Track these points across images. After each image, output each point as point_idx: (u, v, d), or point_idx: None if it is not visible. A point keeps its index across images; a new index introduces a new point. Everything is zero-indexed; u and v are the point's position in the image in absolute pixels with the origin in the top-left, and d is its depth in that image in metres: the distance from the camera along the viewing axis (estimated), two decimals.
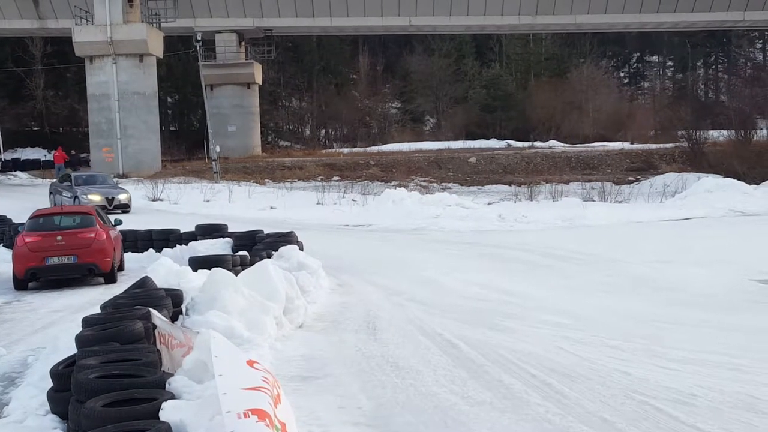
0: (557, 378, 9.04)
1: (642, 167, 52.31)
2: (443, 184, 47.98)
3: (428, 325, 12.45)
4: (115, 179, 39.40)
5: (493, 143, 64.59)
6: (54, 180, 37.41)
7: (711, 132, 55.02)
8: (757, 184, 41.32)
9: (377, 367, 9.85)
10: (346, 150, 63.23)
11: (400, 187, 40.12)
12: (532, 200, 38.57)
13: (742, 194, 37.57)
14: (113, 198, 33.05)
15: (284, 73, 78.34)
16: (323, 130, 78.41)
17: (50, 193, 36.06)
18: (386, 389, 8.84)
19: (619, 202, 38.03)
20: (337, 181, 46.67)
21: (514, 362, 9.83)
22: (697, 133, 53.16)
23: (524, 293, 15.68)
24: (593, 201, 37.69)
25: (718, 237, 24.91)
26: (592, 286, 16.52)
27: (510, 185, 45.58)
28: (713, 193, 37.17)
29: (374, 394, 8.67)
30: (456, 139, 66.74)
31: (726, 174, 42.90)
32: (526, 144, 62.88)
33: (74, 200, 31.87)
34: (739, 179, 40.32)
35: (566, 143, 62.45)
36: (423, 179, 48.91)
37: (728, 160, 46.48)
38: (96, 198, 32.21)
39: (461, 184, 48.19)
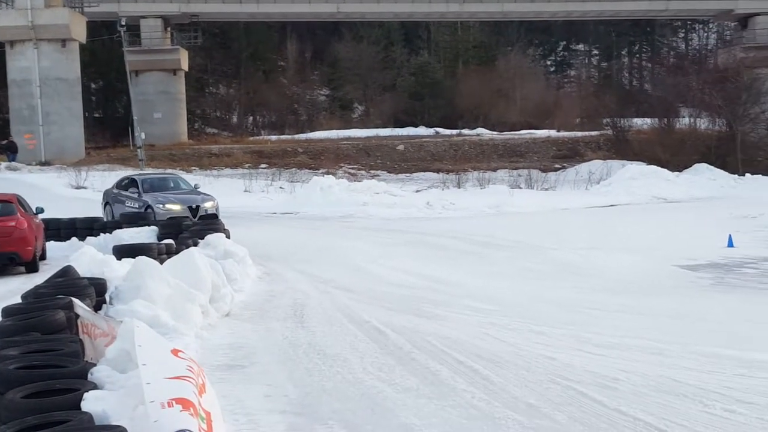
0: (483, 364, 9.08)
1: (568, 155, 52.88)
2: (371, 171, 47.99)
3: (356, 312, 12.43)
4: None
5: (422, 131, 64.73)
6: (108, 188, 28.82)
7: (635, 120, 55.83)
8: (680, 171, 42.06)
9: (304, 355, 9.80)
10: (274, 137, 62.87)
11: (328, 174, 40.04)
12: (459, 188, 38.79)
13: (664, 181, 38.25)
14: (197, 207, 24.92)
15: (211, 60, 77.58)
16: (251, 118, 77.87)
17: (104, 203, 27.54)
18: (313, 377, 8.80)
19: (546, 190, 38.43)
20: (264, 168, 46.39)
21: (441, 349, 9.85)
22: (622, 121, 53.93)
23: (451, 280, 15.75)
24: (520, 188, 38.05)
25: (641, 223, 25.29)
26: (519, 272, 16.67)
27: (438, 173, 45.75)
28: (637, 180, 37.78)
29: (301, 382, 8.63)
30: (384, 126, 66.77)
31: (649, 161, 43.59)
32: (454, 132, 63.14)
33: (145, 210, 24.69)
34: (662, 166, 41.00)
35: (494, 131, 62.85)
36: (351, 167, 48.87)
37: (652, 148, 47.19)
38: (175, 208, 24.70)
39: (389, 172, 48.23)
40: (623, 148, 50.19)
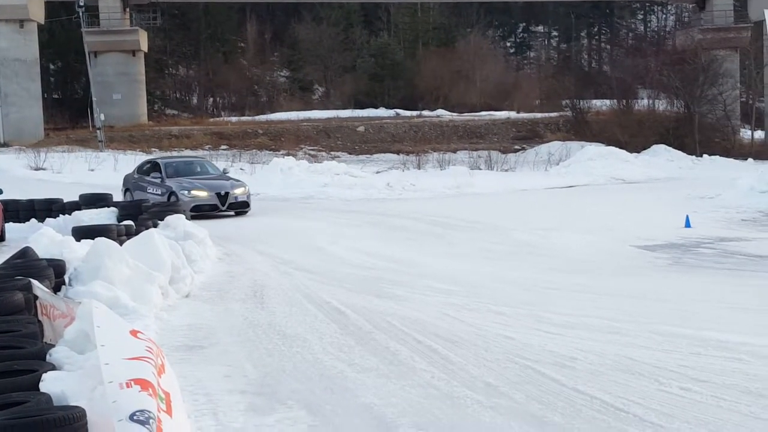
0: (443, 344, 9.14)
1: (528, 136, 53.11)
2: (332, 152, 47.95)
3: (316, 293, 12.44)
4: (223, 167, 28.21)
5: (382, 112, 64.66)
6: (129, 173, 26.60)
7: (594, 101, 56.14)
8: (638, 152, 42.40)
9: (264, 335, 9.81)
10: (234, 119, 62.53)
11: (288, 155, 39.93)
12: (420, 169, 38.85)
13: (623, 162, 38.55)
14: (226, 194, 23.19)
15: (171, 41, 76.93)
16: (211, 99, 77.36)
17: (125, 189, 25.47)
18: (273, 357, 8.82)
19: (506, 171, 38.59)
20: (225, 150, 46.20)
21: (401, 329, 9.89)
22: (581, 103, 54.20)
23: (412, 261, 15.80)
24: (480, 169, 38.17)
25: (600, 204, 25.49)
26: (479, 253, 16.75)
27: (398, 154, 45.80)
28: (596, 161, 38.04)
29: (261, 362, 8.64)
30: (345, 108, 66.62)
31: (608, 142, 43.90)
32: (414, 113, 63.14)
33: (169, 197, 23.08)
34: (620, 148, 41.31)
35: (454, 112, 62.92)
36: (312, 148, 48.79)
37: (610, 129, 47.50)
38: (202, 194, 23.07)
39: (350, 153, 48.21)
40: (582, 130, 50.48)
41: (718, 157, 43.00)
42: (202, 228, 16.14)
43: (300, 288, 12.92)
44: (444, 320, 10.37)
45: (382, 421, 6.76)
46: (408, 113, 63.40)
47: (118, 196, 22.40)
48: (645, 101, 52.02)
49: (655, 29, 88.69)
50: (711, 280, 13.10)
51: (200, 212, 22.07)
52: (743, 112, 52.54)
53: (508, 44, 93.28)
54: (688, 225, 19.49)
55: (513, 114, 60.92)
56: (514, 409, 6.97)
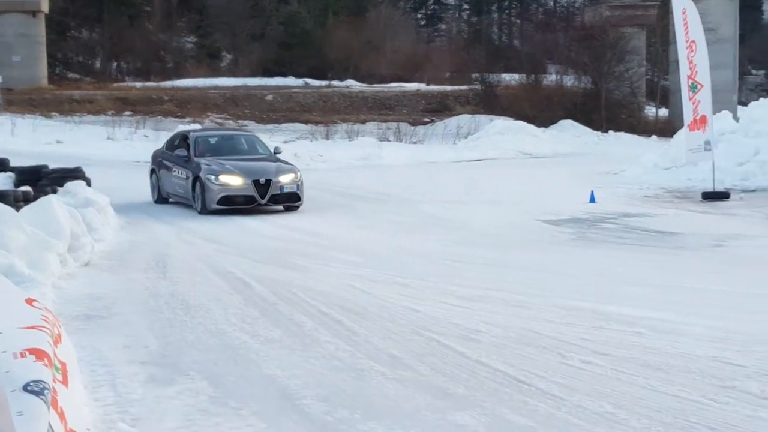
0: (348, 316, 9.08)
1: (437, 108, 53.24)
2: (239, 121, 47.45)
3: (220, 263, 12.29)
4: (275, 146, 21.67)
5: (291, 81, 64.16)
6: (158, 148, 21.98)
7: (504, 75, 56.50)
8: (546, 127, 42.87)
9: (166, 305, 9.64)
10: (138, 84, 61.40)
11: (194, 123, 39.35)
12: (328, 139, 38.71)
13: (531, 137, 38.93)
14: (268, 182, 18.02)
15: (74, 3, 75.07)
16: (115, 64, 75.84)
17: (151, 171, 20.92)
18: (175, 328, 8.67)
19: (414, 143, 38.68)
20: (129, 116, 45.29)
21: (306, 300, 9.82)
22: (491, 77, 54.51)
23: (319, 232, 15.72)
24: (389, 141, 38.18)
25: (507, 178, 25.70)
26: (386, 225, 16.73)
27: (307, 124, 45.52)
28: (504, 135, 38.33)
29: (162, 332, 8.49)
30: (253, 76, 65.89)
31: (517, 117, 44.23)
32: (324, 83, 62.82)
33: (194, 183, 18.30)
34: (529, 122, 41.68)
35: (364, 83, 62.77)
36: (219, 116, 48.19)
37: (519, 104, 47.90)
38: (235, 181, 17.99)
39: (258, 122, 47.74)
40: (492, 103, 50.81)
41: (623, 133, 43.71)
42: (103, 195, 15.81)
43: (204, 258, 12.75)
44: (349, 292, 10.32)
45: (285, 392, 6.69)
46: (317, 83, 63.04)
47: (17, 161, 21.72)
48: (553, 76, 52.56)
49: (565, 4, 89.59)
50: (614, 255, 13.27)
51: (231, 205, 17.80)
52: (648, 90, 53.50)
53: (419, 16, 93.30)
54: (592, 200, 19.74)
55: (423, 86, 61.00)
56: (418, 381, 6.95)
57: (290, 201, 18.32)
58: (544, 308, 9.38)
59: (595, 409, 6.24)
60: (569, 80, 51.45)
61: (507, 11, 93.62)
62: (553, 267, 12.18)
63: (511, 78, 55.60)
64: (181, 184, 18.89)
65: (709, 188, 20.45)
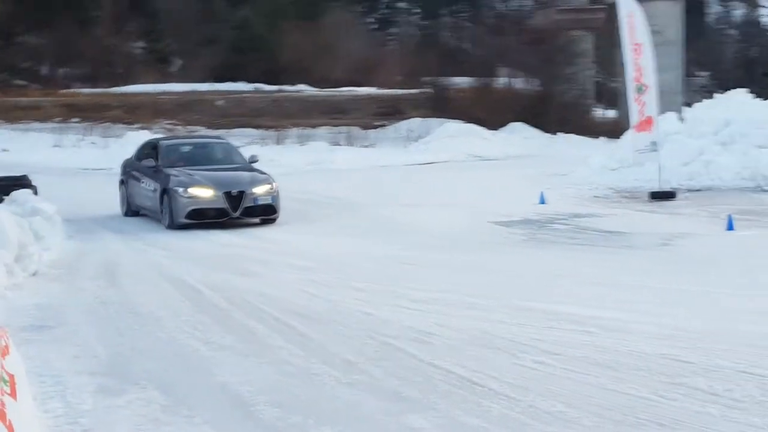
0: (301, 321, 9.06)
1: (389, 112, 53.25)
2: (190, 127, 47.16)
3: (171, 271, 12.21)
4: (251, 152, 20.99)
5: (242, 86, 63.82)
6: (129, 157, 20.18)
7: (455, 79, 56.64)
8: (496, 129, 43.04)
9: (116, 314, 9.56)
10: (86, 90, 60.77)
11: (144, 129, 39.05)
12: (280, 144, 38.60)
13: (482, 140, 39.09)
14: (241, 194, 16.76)
15: (21, 8, 74.19)
16: (63, 69, 75.05)
17: (121, 182, 19.61)
18: (125, 337, 8.59)
19: (366, 147, 38.70)
20: (76, 122, 44.84)
21: (259, 306, 9.78)
22: (442, 80, 54.64)
23: (271, 238, 15.66)
24: (341, 145, 38.16)
25: (459, 181, 25.78)
26: (339, 229, 16.71)
27: (258, 129, 45.36)
28: (455, 138, 38.46)
29: (112, 342, 8.41)
30: (204, 81, 65.47)
31: (468, 120, 44.33)
32: (275, 88, 62.60)
33: (162, 195, 17.01)
34: (480, 125, 41.81)
35: (316, 87, 62.64)
36: (169, 122, 47.87)
37: (470, 107, 48.03)
38: (205, 194, 16.69)
39: (208, 127, 47.41)
40: (443, 107, 50.89)
41: (572, 135, 43.99)
42: (51, 204, 15.60)
43: (154, 265, 12.66)
44: (302, 297, 10.29)
45: (238, 399, 6.66)
46: (269, 88, 62.80)
47: None
48: (504, 79, 52.81)
49: (516, 8, 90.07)
50: (564, 255, 13.36)
51: (201, 219, 16.56)
52: (597, 92, 53.93)
53: (372, 20, 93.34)
54: (542, 201, 19.85)
55: (375, 90, 61.00)
56: (372, 385, 6.95)
57: (265, 214, 17.12)
58: (496, 309, 9.42)
59: (547, 408, 6.28)
60: (519, 83, 51.73)
61: (458, 15, 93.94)
62: (505, 268, 12.24)
63: (462, 81, 55.75)
64: (150, 196, 17.66)
65: (656, 188, 20.64)
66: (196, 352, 7.99)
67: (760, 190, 21.13)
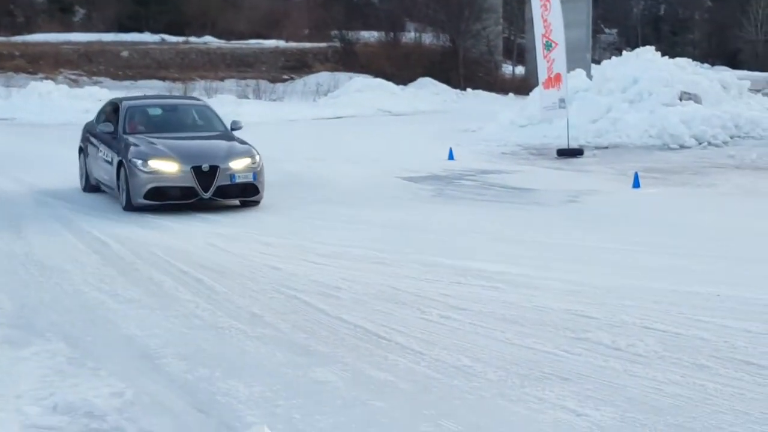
0: (208, 274, 9.04)
1: (297, 66, 52.89)
2: (94, 78, 46.23)
3: (76, 223, 12.04)
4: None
5: (147, 37, 62.64)
6: (90, 120, 16.58)
7: (363, 33, 56.44)
8: (405, 85, 43.09)
9: (21, 266, 9.42)
10: None
11: (47, 80, 38.14)
12: None
13: (390, 95, 39.10)
14: (214, 169, 13.19)
15: None
16: None
17: (80, 149, 15.90)
18: (30, 289, 8.48)
19: (274, 101, 38.41)
20: None
21: (165, 259, 9.72)
22: (350, 34, 54.41)
23: None
24: (248, 99, 37.83)
25: (367, 136, 25.79)
26: None
27: (164, 81, 44.66)
28: (363, 93, 38.40)
29: (17, 294, 8.30)
30: (108, 31, 64.07)
31: (376, 74, 44.31)
32: (181, 39, 61.60)
33: (119, 168, 13.56)
34: (388, 80, 41.79)
35: (222, 39, 61.82)
36: (72, 72, 46.85)
37: (378, 61, 47.97)
38: (170, 168, 13.14)
39: (113, 79, 46.58)
40: (351, 61, 50.73)
41: (481, 91, 44.26)
42: None
43: (59, 218, 12.47)
44: (210, 251, 10.26)
45: (145, 352, 6.65)
46: (175, 39, 61.76)
47: None
48: (412, 34, 52.79)
49: None
50: (471, 212, 13.50)
51: (164, 200, 13.17)
52: (506, 48, 54.25)
53: None
54: (451, 157, 19.99)
55: (282, 43, 60.45)
56: (278, 338, 6.99)
57: (245, 195, 13.69)
58: (403, 264, 9.52)
59: (453, 362, 6.38)
60: (428, 38, 51.77)
61: None
62: (413, 224, 12.33)
63: (370, 35, 55.58)
64: (107, 168, 14.23)
65: (564, 145, 20.94)
66: (103, 305, 7.95)
67: (666, 148, 21.59)
